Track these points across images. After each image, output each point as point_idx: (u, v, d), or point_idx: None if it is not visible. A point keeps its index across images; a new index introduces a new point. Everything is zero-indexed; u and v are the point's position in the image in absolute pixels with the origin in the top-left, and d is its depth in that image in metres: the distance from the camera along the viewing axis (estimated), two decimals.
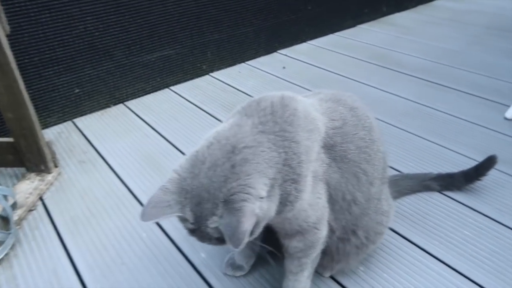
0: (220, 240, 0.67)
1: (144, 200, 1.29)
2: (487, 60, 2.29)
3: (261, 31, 2.35)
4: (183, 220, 0.69)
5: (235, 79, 2.13)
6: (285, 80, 2.12)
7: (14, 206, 1.20)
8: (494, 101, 1.85)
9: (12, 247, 1.12)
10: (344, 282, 1.02)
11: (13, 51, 1.20)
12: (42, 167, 1.37)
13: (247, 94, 1.97)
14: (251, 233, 0.67)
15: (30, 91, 1.56)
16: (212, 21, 2.09)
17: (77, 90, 1.74)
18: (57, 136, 1.64)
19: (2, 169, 1.43)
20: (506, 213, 1.22)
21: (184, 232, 0.71)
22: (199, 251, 1.11)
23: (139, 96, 1.96)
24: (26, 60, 1.54)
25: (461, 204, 1.26)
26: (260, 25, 2.33)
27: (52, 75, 1.64)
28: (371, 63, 2.31)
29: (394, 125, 1.69)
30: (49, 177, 1.37)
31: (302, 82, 2.08)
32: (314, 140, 0.76)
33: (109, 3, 1.69)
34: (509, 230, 1.17)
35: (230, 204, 0.64)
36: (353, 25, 2.88)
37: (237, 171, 0.66)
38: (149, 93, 1.99)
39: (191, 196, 0.66)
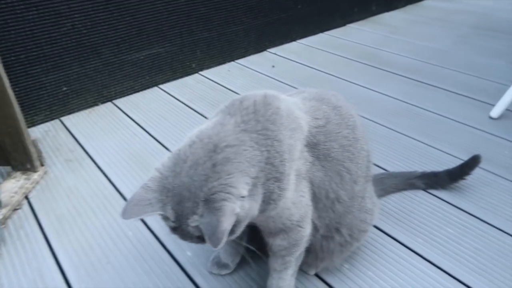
0: (200, 239, 0.67)
1: None
2: (474, 60, 2.31)
3: (251, 29, 2.35)
4: (164, 218, 0.69)
5: (225, 78, 2.13)
6: (275, 79, 2.12)
7: None
8: (480, 101, 1.87)
9: None
10: (328, 280, 1.03)
11: None
12: (28, 166, 1.36)
13: (236, 93, 1.98)
14: (233, 232, 0.67)
15: (17, 89, 1.56)
16: (202, 19, 2.09)
17: (64, 88, 1.73)
18: (44, 135, 1.63)
19: None
20: (489, 211, 1.24)
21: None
22: (185, 249, 1.11)
23: (127, 95, 1.95)
24: (12, 58, 1.53)
25: (445, 202, 1.28)
26: (250, 23, 2.33)
27: (39, 73, 1.63)
28: (361, 62, 2.32)
29: (382, 124, 1.70)
30: (35, 176, 1.36)
31: (291, 81, 2.08)
32: (297, 139, 0.77)
33: (97, 1, 1.68)
34: (492, 228, 1.18)
35: (210, 204, 0.64)
36: (343, 24, 2.89)
37: (218, 170, 0.66)
38: (137, 91, 1.98)
39: (172, 194, 0.67)
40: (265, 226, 0.82)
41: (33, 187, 1.34)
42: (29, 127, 1.65)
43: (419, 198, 1.29)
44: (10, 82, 1.24)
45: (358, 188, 0.89)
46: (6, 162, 1.37)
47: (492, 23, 2.91)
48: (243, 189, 0.67)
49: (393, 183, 1.29)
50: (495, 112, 1.72)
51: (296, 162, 0.76)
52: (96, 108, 1.84)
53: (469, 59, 2.33)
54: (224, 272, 1.03)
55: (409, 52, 2.43)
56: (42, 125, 1.69)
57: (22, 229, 1.18)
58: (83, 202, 1.28)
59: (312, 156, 0.80)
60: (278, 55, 2.42)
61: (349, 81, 2.09)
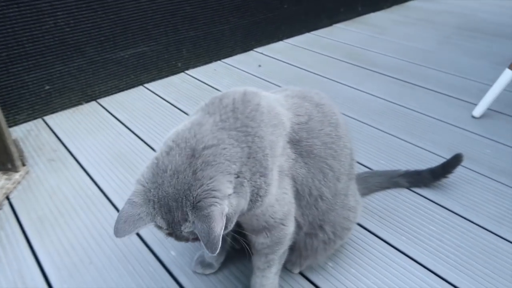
0: (197, 239, 0.68)
1: (115, 199, 1.28)
2: (456, 60, 2.35)
3: (237, 29, 2.35)
4: (158, 227, 0.69)
5: (211, 77, 2.12)
6: (261, 78, 2.12)
7: None
8: (463, 100, 1.90)
9: None
10: (312, 278, 1.03)
11: None
12: (9, 166, 1.34)
13: None
14: (225, 228, 0.67)
15: None
16: (187, 18, 2.08)
17: (47, 87, 1.70)
18: (26, 134, 1.60)
19: None
20: (471, 209, 1.26)
21: (154, 230, 0.71)
22: (169, 249, 1.10)
23: (112, 94, 1.93)
24: None
25: (428, 200, 1.29)
26: (236, 22, 2.33)
27: (20, 71, 1.60)
28: (346, 62, 2.33)
29: (367, 123, 1.72)
30: (16, 176, 1.34)
31: (277, 81, 2.09)
32: (278, 135, 0.77)
33: None
34: (473, 225, 1.20)
35: (198, 211, 0.64)
36: (329, 24, 2.90)
37: (199, 176, 0.66)
38: (122, 90, 1.96)
39: (159, 206, 0.66)
40: (249, 224, 0.82)
41: (14, 187, 1.31)
42: (10, 126, 1.62)
43: (403, 197, 1.31)
44: None
45: (341, 186, 0.89)
46: None
47: (475, 24, 2.95)
48: (228, 188, 0.67)
49: (377, 182, 1.30)
50: (477, 111, 1.75)
51: (279, 159, 0.77)
52: (80, 107, 1.81)
53: (452, 59, 2.36)
54: (208, 271, 1.03)
55: (394, 52, 2.45)
56: (24, 125, 1.67)
57: (3, 230, 1.16)
58: (66, 202, 1.26)
59: (295, 153, 0.80)
60: (265, 55, 2.42)
61: (335, 81, 2.11)
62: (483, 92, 1.77)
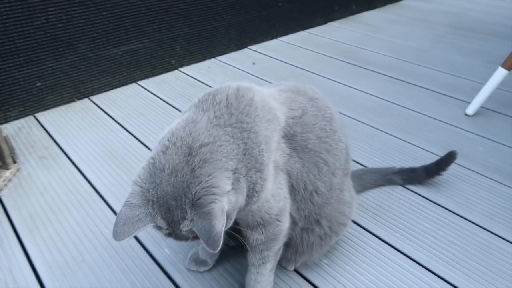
0: (196, 238, 0.67)
1: (108, 196, 1.26)
2: (449, 59, 2.36)
3: (231, 26, 2.34)
4: (157, 228, 0.68)
5: (205, 75, 2.11)
6: (255, 76, 2.11)
7: None
8: (456, 98, 1.91)
9: None
10: (308, 275, 1.03)
11: None
12: (0, 163, 1.32)
13: None
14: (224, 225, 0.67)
15: None
16: (181, 15, 2.07)
17: (39, 84, 1.68)
18: (17, 131, 1.58)
19: None
20: (464, 206, 1.26)
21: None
22: (163, 246, 1.09)
23: (105, 91, 1.91)
24: None
25: (422, 198, 1.29)
26: (230, 20, 2.32)
27: (12, 67, 1.58)
28: (341, 60, 2.33)
29: (361, 121, 1.72)
30: (7, 173, 1.32)
31: (272, 78, 2.08)
32: (273, 130, 0.76)
33: None
34: (467, 222, 1.21)
35: (198, 209, 0.63)
36: (323, 23, 2.90)
37: (198, 174, 0.65)
38: (115, 87, 1.94)
39: (158, 205, 0.65)
40: (244, 220, 0.81)
41: (5, 185, 1.29)
42: (1, 123, 1.60)
43: (397, 194, 1.31)
44: None
45: (336, 181, 0.89)
46: None
47: (468, 23, 2.97)
48: (226, 184, 0.66)
49: (372, 179, 1.30)
50: (471, 109, 1.76)
51: (274, 153, 0.76)
52: (72, 104, 1.79)
53: (446, 58, 2.37)
54: (202, 269, 1.02)
55: (388, 51, 2.46)
56: (15, 122, 1.64)
57: None
58: (58, 200, 1.25)
59: (289, 148, 0.79)
60: (259, 53, 2.41)
61: (329, 79, 2.10)
62: (476, 90, 1.77)
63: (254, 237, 0.82)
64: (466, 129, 1.67)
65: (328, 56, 2.39)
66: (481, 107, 1.76)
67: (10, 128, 1.59)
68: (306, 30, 2.78)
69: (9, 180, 1.31)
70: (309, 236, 0.92)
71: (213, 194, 0.64)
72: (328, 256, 1.08)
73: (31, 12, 1.55)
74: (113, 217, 1.19)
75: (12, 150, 1.36)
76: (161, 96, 1.88)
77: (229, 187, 0.67)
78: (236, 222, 0.84)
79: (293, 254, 0.96)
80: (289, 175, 0.80)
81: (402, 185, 1.34)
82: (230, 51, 2.39)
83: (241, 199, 0.71)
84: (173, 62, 2.14)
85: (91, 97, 1.85)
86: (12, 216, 1.18)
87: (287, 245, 0.92)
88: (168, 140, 0.69)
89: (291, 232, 0.89)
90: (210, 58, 2.30)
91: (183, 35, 2.12)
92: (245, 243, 0.86)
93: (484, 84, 1.74)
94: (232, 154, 0.69)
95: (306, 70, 2.19)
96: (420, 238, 1.14)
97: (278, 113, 0.79)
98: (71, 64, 1.75)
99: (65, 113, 1.72)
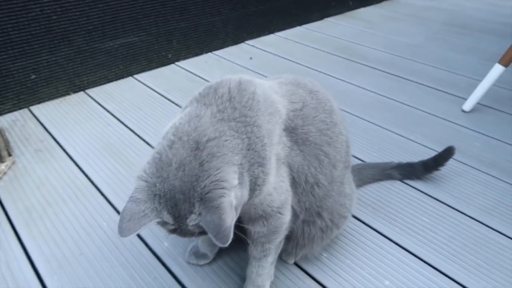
0: (202, 233, 0.66)
1: (105, 189, 1.25)
2: (445, 55, 2.37)
3: (228, 20, 2.32)
4: (162, 223, 0.67)
5: (201, 69, 2.10)
6: (252, 70, 2.10)
7: None
8: (452, 94, 1.92)
9: None
10: (307, 268, 1.03)
11: None
12: None
13: None
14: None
15: None
16: (178, 9, 2.05)
17: (33, 76, 1.65)
18: (11, 124, 1.56)
19: None
20: (462, 201, 1.27)
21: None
22: (162, 240, 1.08)
23: (101, 84, 1.89)
24: None
25: (420, 192, 1.30)
26: (227, 14, 2.30)
27: (5, 59, 1.55)
28: (337, 55, 2.33)
29: (359, 116, 1.72)
30: (2, 166, 1.30)
31: (269, 73, 2.07)
32: (275, 123, 0.76)
33: None
34: (465, 216, 1.21)
35: (207, 203, 0.63)
36: (320, 18, 2.90)
37: (206, 168, 0.64)
38: (111, 81, 1.92)
39: (165, 200, 0.64)
40: (246, 213, 0.81)
41: (0, 178, 1.27)
42: None
43: (396, 188, 1.31)
44: None
45: (337, 173, 0.89)
46: None
47: (463, 21, 2.99)
48: (234, 179, 0.66)
49: (370, 174, 1.31)
50: (467, 105, 1.77)
51: (276, 147, 0.76)
52: (67, 97, 1.77)
53: (439, 54, 2.38)
54: (202, 262, 1.02)
55: (384, 47, 2.46)
56: (10, 114, 1.62)
57: None
58: (54, 193, 1.23)
59: (291, 141, 0.79)
60: (256, 47, 2.40)
61: (325, 74, 2.10)
62: (472, 86, 1.78)
63: (256, 229, 0.82)
64: (462, 124, 1.68)
65: (325, 51, 2.38)
66: (478, 103, 1.77)
67: (4, 121, 1.57)
68: (303, 26, 2.77)
69: (4, 173, 1.29)
70: (311, 229, 0.92)
71: (222, 188, 0.63)
72: (328, 249, 1.08)
73: (26, 3, 1.53)
74: (110, 211, 1.18)
75: (7, 143, 1.34)
76: (157, 90, 1.86)
77: (236, 181, 0.66)
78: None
79: (293, 247, 0.96)
80: (290, 168, 0.80)
81: (401, 180, 1.34)
82: (227, 46, 2.38)
83: (245, 194, 0.70)
84: (169, 56, 2.12)
85: (86, 91, 1.83)
86: (8, 209, 1.17)
87: (288, 238, 0.92)
88: (173, 135, 0.69)
89: (292, 225, 0.89)
90: (206, 52, 2.29)
91: (179, 29, 2.10)
92: (246, 237, 0.86)
93: (479, 80, 1.75)
94: (237, 148, 0.69)
95: (303, 65, 2.19)
96: (419, 232, 1.15)
97: (280, 106, 0.79)
98: (66, 56, 1.73)
99: (60, 106, 1.70)
